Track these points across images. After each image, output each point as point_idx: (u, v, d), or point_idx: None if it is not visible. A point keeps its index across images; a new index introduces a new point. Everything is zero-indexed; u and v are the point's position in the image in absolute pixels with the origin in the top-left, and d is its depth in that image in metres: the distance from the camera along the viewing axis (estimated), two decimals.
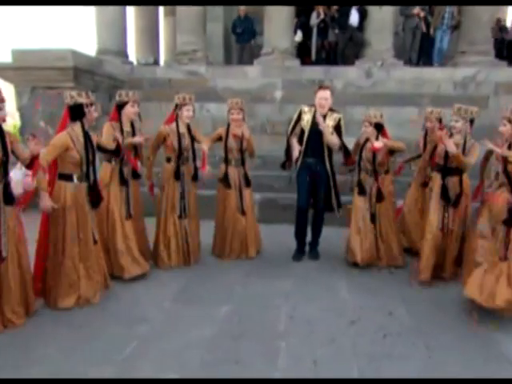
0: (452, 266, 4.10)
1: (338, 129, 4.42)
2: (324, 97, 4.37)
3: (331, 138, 4.36)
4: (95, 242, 3.51)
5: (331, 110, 4.46)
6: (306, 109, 4.51)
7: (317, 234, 4.70)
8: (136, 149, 4.15)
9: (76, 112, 3.35)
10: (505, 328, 3.19)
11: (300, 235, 4.69)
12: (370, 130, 4.33)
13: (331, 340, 2.98)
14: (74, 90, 3.51)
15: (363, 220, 4.37)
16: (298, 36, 9.81)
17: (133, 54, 11.21)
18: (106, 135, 3.91)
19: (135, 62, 10.32)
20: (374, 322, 3.25)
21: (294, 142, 4.54)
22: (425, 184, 4.56)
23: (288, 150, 4.67)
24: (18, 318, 3.06)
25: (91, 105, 3.42)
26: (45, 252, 3.40)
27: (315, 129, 4.37)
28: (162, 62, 11.55)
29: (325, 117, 4.40)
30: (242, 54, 10.09)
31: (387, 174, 4.47)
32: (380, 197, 4.34)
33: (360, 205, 4.40)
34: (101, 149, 3.68)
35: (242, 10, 9.94)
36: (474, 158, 3.83)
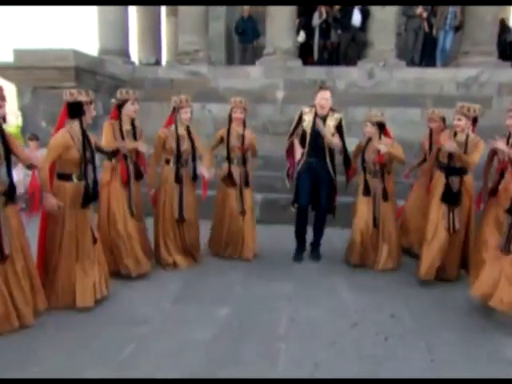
0: (455, 268, 4.07)
1: (339, 129, 4.42)
2: (325, 97, 4.36)
3: (332, 140, 4.35)
4: (95, 241, 3.48)
5: (332, 109, 4.45)
6: (306, 110, 4.50)
7: (319, 234, 4.67)
8: (138, 151, 4.12)
9: (75, 110, 3.32)
10: (506, 329, 3.16)
11: (300, 234, 4.67)
12: (372, 130, 4.30)
13: (332, 342, 2.95)
14: (75, 89, 3.48)
15: (365, 224, 4.33)
16: (301, 36, 9.76)
17: (135, 54, 11.21)
18: (106, 135, 3.89)
19: (137, 62, 10.31)
20: (376, 324, 3.22)
21: (297, 143, 4.52)
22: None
23: (291, 151, 4.63)
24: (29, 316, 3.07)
25: (90, 103, 3.39)
26: (44, 250, 3.39)
27: (317, 130, 4.35)
28: (164, 62, 11.53)
29: (326, 118, 4.39)
30: (244, 54, 10.06)
31: (389, 175, 4.42)
32: (386, 196, 4.30)
33: (363, 208, 4.36)
34: (100, 150, 3.66)
35: (246, 9, 9.87)
36: (477, 156, 3.79)
